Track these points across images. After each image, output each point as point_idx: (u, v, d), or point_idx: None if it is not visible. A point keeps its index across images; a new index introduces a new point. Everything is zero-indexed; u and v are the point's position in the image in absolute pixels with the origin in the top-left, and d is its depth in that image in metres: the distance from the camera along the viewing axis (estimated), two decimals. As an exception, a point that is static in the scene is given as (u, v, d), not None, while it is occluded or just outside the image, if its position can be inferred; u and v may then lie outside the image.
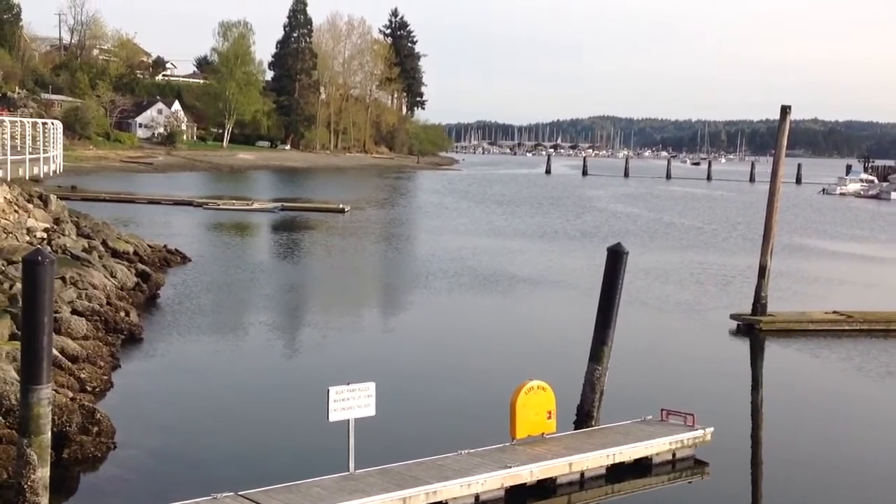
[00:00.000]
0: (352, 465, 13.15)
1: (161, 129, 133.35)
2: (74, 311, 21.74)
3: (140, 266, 30.91)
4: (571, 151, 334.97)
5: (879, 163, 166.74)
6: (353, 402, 13.21)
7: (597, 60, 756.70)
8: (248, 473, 13.90)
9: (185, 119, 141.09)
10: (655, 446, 15.38)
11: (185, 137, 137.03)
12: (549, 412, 15.14)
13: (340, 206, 64.04)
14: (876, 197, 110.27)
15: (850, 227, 68.17)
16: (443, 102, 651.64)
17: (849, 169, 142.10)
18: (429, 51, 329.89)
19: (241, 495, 12.28)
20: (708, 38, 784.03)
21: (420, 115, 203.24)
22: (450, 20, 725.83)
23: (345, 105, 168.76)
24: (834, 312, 28.53)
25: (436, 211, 68.78)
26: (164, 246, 37.27)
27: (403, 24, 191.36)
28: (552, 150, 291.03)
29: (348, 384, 13.28)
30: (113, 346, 21.02)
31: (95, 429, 15.04)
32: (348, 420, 13.15)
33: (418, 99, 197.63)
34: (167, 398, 18.72)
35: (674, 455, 15.60)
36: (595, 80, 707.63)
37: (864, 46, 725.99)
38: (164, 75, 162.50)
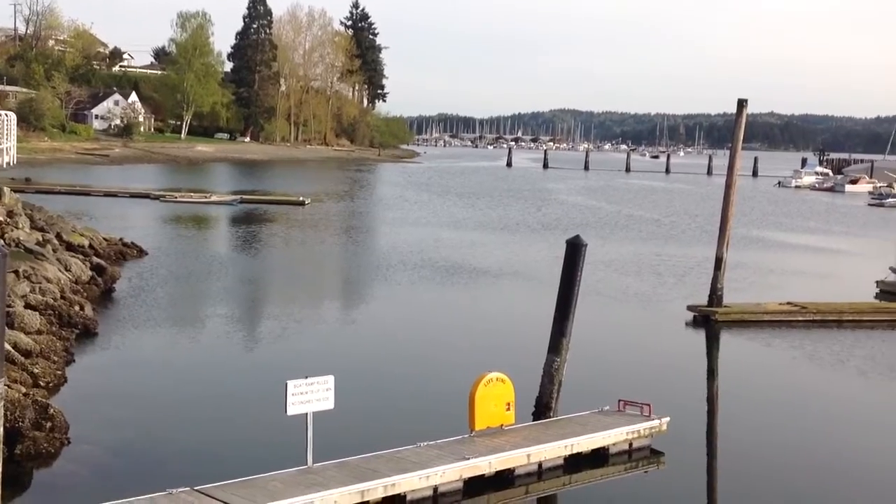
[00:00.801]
0: (310, 458, 13.12)
1: (118, 121, 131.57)
2: (28, 306, 21.40)
3: (95, 259, 30.52)
4: (532, 144, 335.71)
5: (834, 156, 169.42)
6: (311, 396, 13.16)
7: (558, 54, 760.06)
8: (204, 468, 13.81)
9: (143, 111, 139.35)
10: (613, 436, 15.51)
11: (142, 129, 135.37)
12: (508, 404, 15.21)
13: (300, 198, 63.69)
14: (830, 189, 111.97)
15: (804, 219, 69.20)
16: (404, 95, 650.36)
17: (804, 162, 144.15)
18: (390, 43, 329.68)
19: (196, 490, 12.19)
20: (666, 34, 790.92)
21: (381, 107, 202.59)
22: (412, 13, 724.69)
23: (305, 97, 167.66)
24: (788, 303, 28.96)
25: (397, 203, 68.68)
26: (121, 239, 36.84)
27: (364, 16, 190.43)
28: (513, 143, 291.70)
29: (307, 377, 13.23)
30: (67, 341, 20.74)
31: (49, 424, 14.84)
32: (307, 413, 13.11)
33: (379, 91, 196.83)
34: (122, 393, 18.52)
35: (631, 445, 15.75)
36: (556, 74, 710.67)
37: (820, 42, 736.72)
38: (120, 66, 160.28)
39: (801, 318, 28.01)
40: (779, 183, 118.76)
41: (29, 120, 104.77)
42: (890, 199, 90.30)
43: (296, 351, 22.67)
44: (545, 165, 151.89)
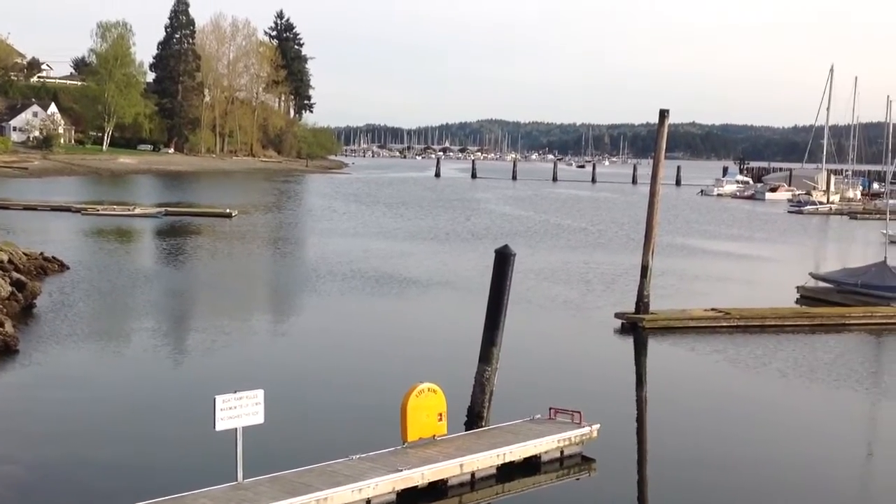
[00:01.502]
0: (240, 474, 12.94)
1: (37, 133, 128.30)
2: (-57, 324, 20.71)
3: (15, 275, 29.66)
4: (460, 155, 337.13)
5: (754, 164, 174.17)
6: (240, 411, 13.00)
7: (484, 65, 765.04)
8: (130, 486, 13.51)
9: (63, 122, 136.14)
10: (544, 444, 15.64)
11: (62, 141, 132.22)
12: (440, 414, 15.22)
13: (227, 210, 62.90)
14: (751, 198, 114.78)
15: (727, 226, 70.80)
16: (331, 106, 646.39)
17: (725, 171, 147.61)
18: (316, 53, 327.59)
19: (124, 509, 11.93)
20: (590, 44, 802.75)
21: (308, 118, 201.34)
22: (337, 23, 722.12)
23: (230, 108, 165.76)
24: (713, 310, 29.58)
25: (325, 214, 68.30)
26: (41, 253, 35.89)
27: (289, 27, 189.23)
28: (441, 154, 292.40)
29: (235, 392, 13.06)
30: (-14, 359, 20.11)
31: (-33, 446, 14.36)
32: (236, 429, 12.94)
33: (306, 102, 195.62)
34: (45, 411, 18.02)
35: (562, 453, 15.89)
36: (483, 85, 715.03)
37: (739, 54, 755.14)
38: (39, 77, 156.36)
39: (725, 324, 28.62)
40: (701, 191, 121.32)
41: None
42: (808, 207, 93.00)
43: (224, 365, 22.34)
44: (473, 175, 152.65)
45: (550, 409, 16.85)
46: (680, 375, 23.34)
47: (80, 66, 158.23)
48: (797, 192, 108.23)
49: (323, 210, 72.80)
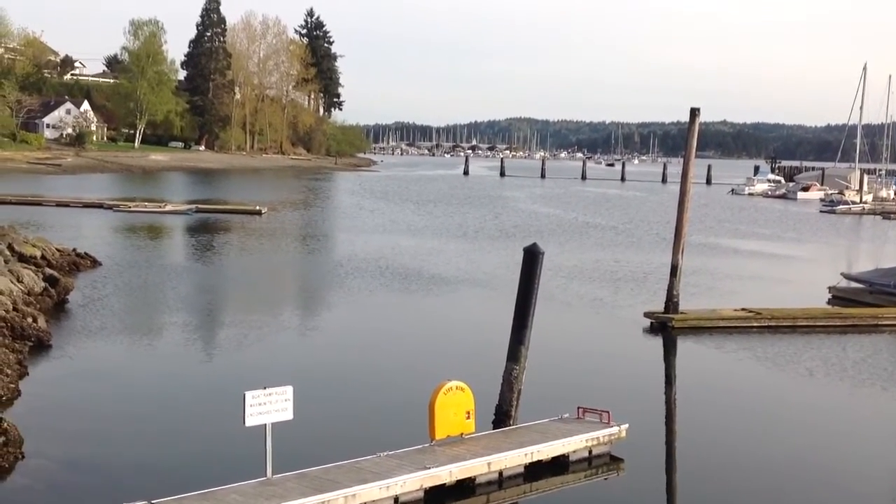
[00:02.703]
0: (269, 470, 13.01)
1: (70, 130, 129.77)
2: (-22, 318, 21.01)
3: (48, 270, 30.04)
4: (489, 152, 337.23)
5: (786, 163, 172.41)
6: (270, 407, 13.07)
7: (513, 63, 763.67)
8: (161, 481, 13.63)
9: (95, 119, 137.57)
10: (572, 444, 15.59)
11: (94, 138, 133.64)
12: (468, 412, 15.22)
13: (257, 207, 63.27)
14: (783, 197, 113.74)
15: (758, 226, 70.19)
16: (360, 103, 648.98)
17: (756, 170, 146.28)
18: (346, 51, 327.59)
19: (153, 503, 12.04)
20: (620, 42, 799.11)
21: (337, 115, 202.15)
22: (367, 21, 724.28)
23: (260, 105, 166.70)
24: (743, 310, 29.34)
25: (354, 212, 68.50)
26: (74, 249, 36.30)
27: (319, 25, 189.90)
28: (470, 152, 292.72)
29: (265, 388, 13.13)
30: (20, 354, 20.39)
31: (2, 438, 14.58)
32: (265, 424, 13.01)
33: (335, 100, 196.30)
34: (77, 406, 18.23)
35: (590, 452, 15.83)
36: (512, 82, 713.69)
37: (771, 51, 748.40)
38: (72, 75, 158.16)
39: (755, 324, 28.38)
40: (732, 190, 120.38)
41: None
42: (841, 206, 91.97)
43: (253, 361, 22.48)
44: (502, 173, 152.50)
45: (579, 408, 16.80)
46: (709, 375, 23.18)
47: (112, 63, 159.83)
48: (829, 192, 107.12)
49: (352, 207, 73.02)
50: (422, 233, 54.00)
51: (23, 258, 30.92)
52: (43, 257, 32.33)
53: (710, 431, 18.35)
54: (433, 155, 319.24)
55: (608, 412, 16.40)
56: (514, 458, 14.74)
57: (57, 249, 34.70)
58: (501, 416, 16.90)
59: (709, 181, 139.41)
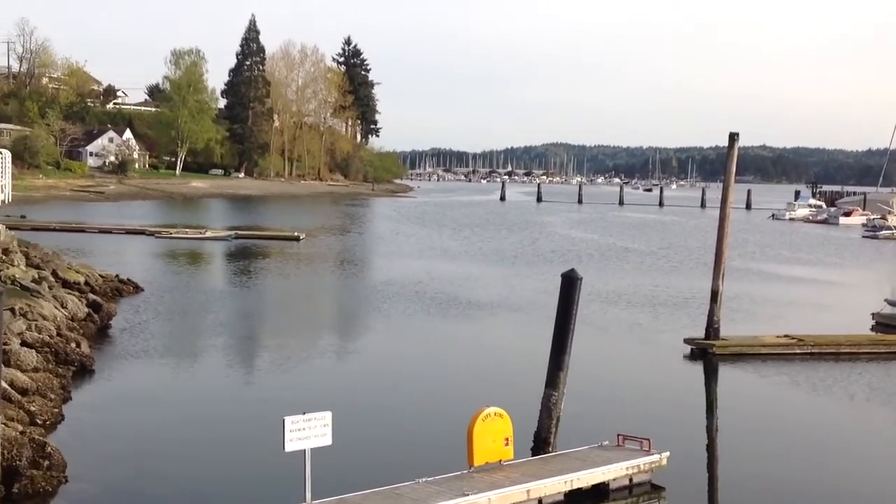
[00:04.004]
0: (308, 495, 13.03)
1: (112, 158, 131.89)
2: (24, 343, 21.35)
3: (91, 296, 30.47)
4: (526, 178, 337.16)
5: (827, 188, 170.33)
6: (309, 432, 13.11)
7: (550, 89, 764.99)
8: (202, 506, 13.69)
9: (137, 147, 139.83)
10: (612, 472, 15.45)
11: (136, 166, 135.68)
12: (507, 439, 15.15)
13: (295, 233, 63.74)
14: (824, 222, 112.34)
15: (800, 251, 69.39)
16: (397, 130, 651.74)
17: (797, 194, 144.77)
18: (383, 79, 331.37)
19: (195, 528, 12.10)
20: (657, 67, 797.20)
21: (374, 142, 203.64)
22: (403, 49, 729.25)
23: (299, 133, 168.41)
24: (785, 336, 28.97)
25: (391, 237, 68.76)
26: (116, 276, 36.79)
27: (357, 53, 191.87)
28: (506, 177, 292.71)
29: (304, 413, 13.18)
30: (64, 378, 20.65)
31: (46, 462, 14.75)
32: (305, 450, 13.05)
33: (373, 126, 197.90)
34: (119, 430, 18.41)
35: (631, 480, 15.68)
36: (548, 108, 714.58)
37: (810, 75, 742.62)
38: (115, 103, 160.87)
39: (798, 351, 28.00)
40: (773, 215, 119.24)
41: (23, 157, 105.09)
42: (884, 231, 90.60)
43: (292, 386, 22.58)
44: (539, 199, 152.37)
45: (619, 435, 16.66)
46: (751, 403, 22.88)
47: (154, 92, 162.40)
48: (872, 217, 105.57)
49: (389, 233, 73.32)
50: (459, 258, 54.05)
51: (67, 284, 31.40)
52: (86, 283, 32.80)
53: (753, 460, 18.09)
54: (469, 181, 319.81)
55: (649, 440, 16.24)
56: (553, 486, 14.64)
57: (100, 275, 35.18)
58: (540, 443, 16.80)
59: (749, 206, 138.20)
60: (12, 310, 23.15)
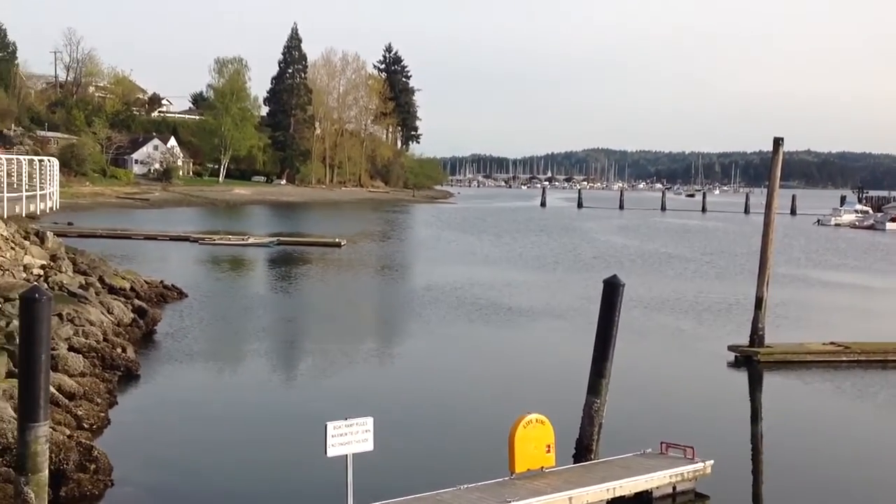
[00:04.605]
0: (350, 500, 13.07)
1: (157, 165, 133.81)
2: (71, 348, 21.68)
3: (137, 302, 30.87)
4: (566, 184, 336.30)
5: (873, 193, 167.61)
6: (351, 438, 13.14)
7: (591, 94, 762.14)
8: (246, 510, 13.79)
9: (181, 155, 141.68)
10: (656, 480, 15.31)
11: (181, 173, 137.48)
12: (548, 446, 15.08)
13: (337, 239, 64.10)
14: (871, 227, 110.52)
15: (845, 257, 68.33)
16: (438, 136, 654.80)
17: (843, 200, 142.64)
18: (423, 85, 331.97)
19: (239, 532, 12.19)
20: (700, 72, 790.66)
21: (415, 148, 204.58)
22: (444, 55, 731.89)
23: (340, 140, 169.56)
24: (831, 343, 28.53)
25: (432, 243, 68.86)
26: (161, 281, 37.23)
27: (397, 60, 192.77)
28: (547, 183, 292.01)
29: (346, 419, 13.23)
30: (110, 383, 20.95)
31: (93, 466, 14.96)
32: (346, 455, 13.09)
33: (413, 133, 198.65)
34: (165, 435, 18.62)
35: (674, 488, 15.52)
36: (589, 114, 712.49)
37: (856, 78, 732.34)
38: (159, 112, 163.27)
39: (845, 359, 27.55)
40: (818, 221, 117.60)
41: (71, 165, 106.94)
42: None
43: (334, 391, 22.70)
44: (579, 205, 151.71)
45: (662, 443, 16.51)
46: (797, 411, 22.56)
47: (198, 100, 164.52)
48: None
49: (430, 239, 73.43)
50: (500, 264, 53.98)
51: (113, 290, 31.87)
52: (132, 289, 33.24)
53: (798, 469, 17.84)
54: (510, 187, 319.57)
55: (692, 448, 16.07)
56: (596, 494, 14.54)
57: (145, 281, 35.63)
58: (582, 451, 16.70)
59: (793, 212, 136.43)
60: (60, 315, 23.55)
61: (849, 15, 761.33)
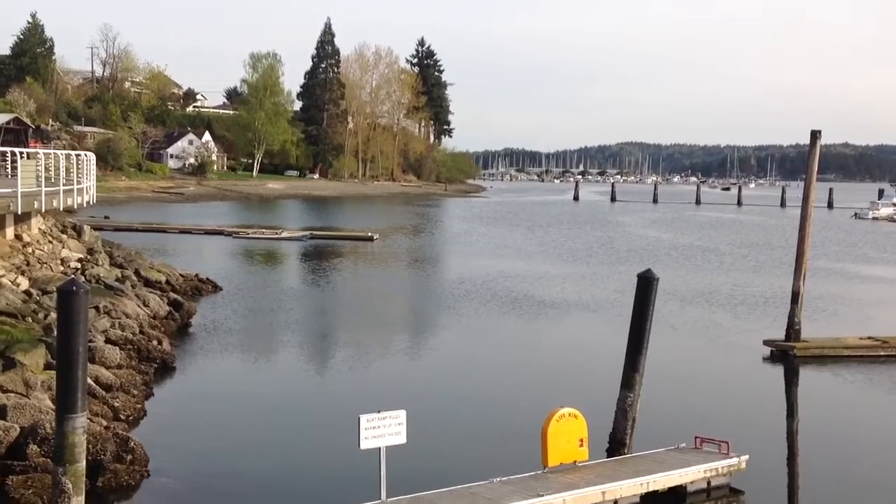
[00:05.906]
0: (384, 493, 13.11)
1: (192, 160, 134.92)
2: (108, 341, 21.93)
3: (172, 295, 31.16)
4: (599, 178, 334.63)
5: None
6: (384, 430, 13.18)
7: (624, 87, 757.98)
8: (279, 501, 13.89)
9: (216, 149, 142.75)
10: (690, 474, 15.20)
11: (215, 167, 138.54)
12: (581, 440, 15.02)
13: (369, 233, 64.28)
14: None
15: (883, 251, 67.39)
16: (470, 130, 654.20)
17: (881, 193, 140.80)
18: (456, 79, 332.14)
19: (273, 523, 12.27)
20: (735, 64, 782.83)
21: (447, 142, 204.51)
22: (477, 49, 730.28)
23: (372, 134, 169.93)
24: (869, 338, 28.16)
25: (464, 237, 68.83)
26: (196, 275, 37.55)
27: (430, 54, 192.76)
28: (580, 177, 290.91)
29: (379, 412, 13.26)
30: (146, 375, 21.16)
31: (129, 457, 15.12)
32: (380, 448, 13.12)
33: (445, 127, 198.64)
34: (200, 426, 18.79)
35: (709, 483, 15.40)
36: (622, 107, 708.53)
37: (894, 72, 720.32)
38: (194, 106, 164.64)
39: (882, 353, 27.18)
40: (855, 214, 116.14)
41: (107, 160, 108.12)
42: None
43: (367, 384, 22.76)
44: (613, 199, 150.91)
45: (696, 437, 16.38)
46: (834, 407, 22.30)
47: (232, 95, 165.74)
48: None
49: (462, 233, 73.41)
50: (532, 257, 53.85)
51: (149, 283, 32.19)
52: (167, 282, 33.56)
53: (835, 465, 17.63)
54: (542, 181, 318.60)
55: (727, 442, 15.94)
56: (629, 488, 14.47)
57: (181, 275, 35.95)
58: (615, 445, 16.62)
59: (830, 205, 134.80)
60: (97, 308, 23.81)
61: (889, 6, 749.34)
